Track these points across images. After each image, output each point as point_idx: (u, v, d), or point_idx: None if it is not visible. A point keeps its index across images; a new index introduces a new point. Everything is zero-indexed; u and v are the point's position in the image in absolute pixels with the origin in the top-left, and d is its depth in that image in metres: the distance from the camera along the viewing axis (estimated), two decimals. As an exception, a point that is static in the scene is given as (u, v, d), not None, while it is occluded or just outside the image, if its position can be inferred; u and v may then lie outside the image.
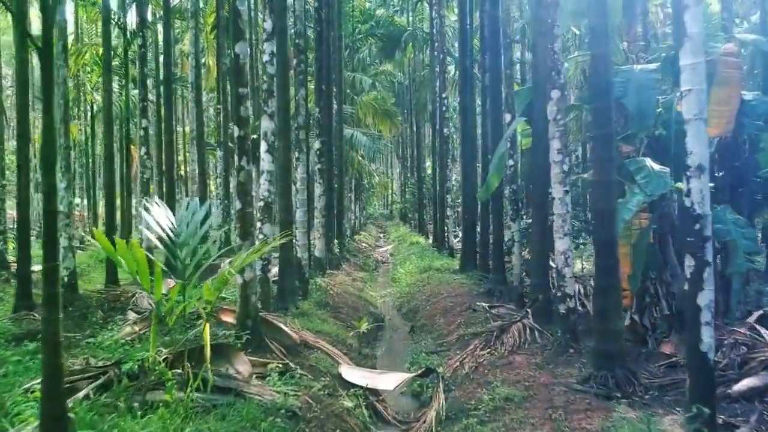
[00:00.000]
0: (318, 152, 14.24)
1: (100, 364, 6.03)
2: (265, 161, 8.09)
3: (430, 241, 24.73)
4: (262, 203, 8.09)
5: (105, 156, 12.71)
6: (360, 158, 25.93)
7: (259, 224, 8.12)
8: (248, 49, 7.57)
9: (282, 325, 7.26)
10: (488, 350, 7.90)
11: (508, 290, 12.08)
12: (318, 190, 14.36)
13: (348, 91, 26.62)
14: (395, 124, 28.94)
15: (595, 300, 6.42)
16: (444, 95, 20.10)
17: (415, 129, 35.12)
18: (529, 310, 9.25)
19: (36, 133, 32.04)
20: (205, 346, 4.76)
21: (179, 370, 4.76)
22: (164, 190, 14.34)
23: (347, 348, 8.72)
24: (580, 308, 9.73)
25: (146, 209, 5.06)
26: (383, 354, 9.90)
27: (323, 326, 9.06)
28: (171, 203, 15.95)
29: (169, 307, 4.65)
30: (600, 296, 6.32)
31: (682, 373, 6.78)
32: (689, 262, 4.78)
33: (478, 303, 10.97)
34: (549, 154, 8.20)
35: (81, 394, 5.08)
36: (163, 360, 4.85)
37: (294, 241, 11.79)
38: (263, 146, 8.12)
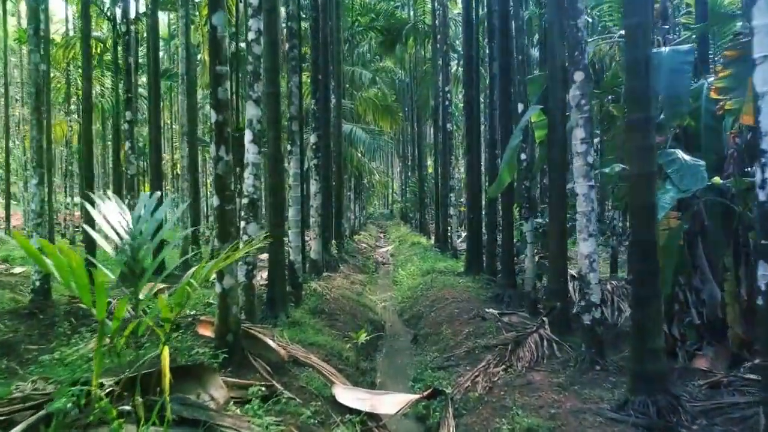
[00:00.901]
0: (314, 147, 13.30)
1: (50, 389, 5.11)
2: (251, 152, 7.17)
3: (432, 241, 23.86)
4: (246, 200, 7.17)
5: (84, 151, 11.79)
6: (360, 155, 25.00)
7: (243, 223, 7.19)
8: (227, 21, 6.63)
9: (268, 340, 6.33)
10: (503, 366, 6.98)
11: (519, 296, 11.18)
12: (314, 187, 13.41)
13: (347, 86, 25.73)
14: (396, 121, 28.07)
15: (634, 313, 5.49)
16: (447, 89, 19.21)
17: (416, 127, 34.23)
18: (545, 319, 8.34)
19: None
20: (164, 374, 3.82)
21: (127, 406, 3.84)
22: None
23: (344, 362, 7.79)
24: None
25: (94, 205, 4.14)
26: (383, 368, 8.97)
27: (317, 337, 8.14)
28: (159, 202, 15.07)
29: (116, 326, 3.73)
30: (638, 308, 5.40)
31: (728, 396, 5.89)
32: (764, 270, 3.86)
33: (487, 310, 10.07)
34: (569, 146, 7.32)
35: (17, 430, 4.17)
36: (107, 394, 3.92)
37: (287, 241, 10.87)
38: (248, 135, 7.20)
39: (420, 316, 11.66)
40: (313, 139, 13.32)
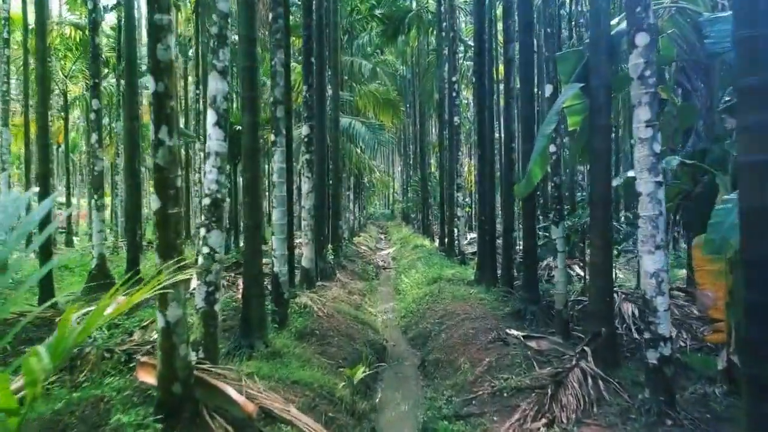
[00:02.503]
0: (306, 139, 11.63)
1: None
2: (214, 138, 5.52)
3: (436, 244, 22.22)
4: (208, 200, 5.52)
5: (39, 142, 10.15)
6: (359, 152, 23.33)
7: (203, 231, 5.53)
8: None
9: (230, 390, 4.68)
10: (544, 420, 5.32)
11: (542, 311, 9.53)
12: (306, 185, 11.74)
13: (346, 77, 24.07)
14: (398, 115, 26.44)
15: (749, 365, 3.82)
16: (454, 79, 17.58)
17: (418, 123, 32.58)
18: (587, 348, 6.70)
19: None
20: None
21: None
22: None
23: (335, 406, 6.14)
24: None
25: None
26: (385, 409, 7.29)
27: (302, 372, 6.49)
28: (135, 200, 13.42)
29: None
30: (756, 359, 3.74)
31: None
32: None
33: (508, 331, 8.44)
34: (628, 130, 5.66)
35: None
36: None
37: (271, 251, 9.22)
38: (210, 116, 5.55)
39: (428, 335, 10.01)
40: (305, 130, 11.64)
